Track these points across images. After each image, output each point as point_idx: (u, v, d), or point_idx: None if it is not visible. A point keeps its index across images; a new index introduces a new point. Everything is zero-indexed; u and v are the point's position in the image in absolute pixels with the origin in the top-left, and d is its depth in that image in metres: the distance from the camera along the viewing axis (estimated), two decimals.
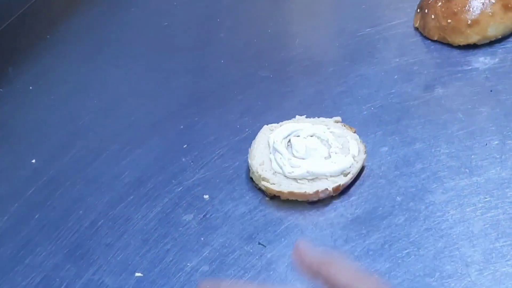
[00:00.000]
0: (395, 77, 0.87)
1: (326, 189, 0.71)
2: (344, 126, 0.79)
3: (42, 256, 0.71)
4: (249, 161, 0.76)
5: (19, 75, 0.98)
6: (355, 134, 0.77)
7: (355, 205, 0.71)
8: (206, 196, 0.75)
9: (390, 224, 0.69)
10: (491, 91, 0.82)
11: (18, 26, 1.08)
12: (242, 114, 0.85)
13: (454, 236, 0.66)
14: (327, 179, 0.72)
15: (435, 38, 0.91)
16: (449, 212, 0.69)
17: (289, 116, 0.81)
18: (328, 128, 0.78)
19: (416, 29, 0.94)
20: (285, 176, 0.73)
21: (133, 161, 0.81)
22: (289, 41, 0.99)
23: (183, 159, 0.80)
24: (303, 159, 0.74)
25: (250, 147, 0.77)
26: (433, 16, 0.90)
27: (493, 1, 0.86)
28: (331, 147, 0.75)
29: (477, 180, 0.71)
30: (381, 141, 0.78)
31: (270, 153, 0.75)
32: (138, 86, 0.94)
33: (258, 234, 0.70)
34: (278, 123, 0.80)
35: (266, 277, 0.66)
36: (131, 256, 0.70)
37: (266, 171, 0.74)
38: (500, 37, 0.88)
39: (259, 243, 0.69)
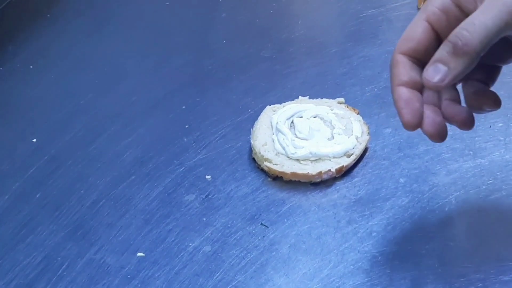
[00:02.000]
0: None
1: (329, 170, 0.71)
2: (347, 107, 0.79)
3: (44, 235, 0.70)
4: (252, 142, 0.75)
5: (19, 53, 0.97)
6: (359, 115, 0.77)
7: (358, 186, 0.71)
8: (208, 177, 0.74)
9: (393, 205, 0.68)
10: None
11: (18, 4, 1.07)
12: (244, 95, 0.85)
13: None
14: (330, 160, 0.72)
15: None
16: (452, 194, 0.68)
17: (291, 96, 0.81)
18: (331, 109, 0.77)
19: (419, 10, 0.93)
20: (288, 157, 0.73)
21: (135, 141, 0.80)
22: (292, 22, 0.98)
23: (185, 139, 0.80)
24: (306, 140, 0.74)
25: (252, 127, 0.77)
26: None
27: None
28: (334, 128, 0.75)
29: (481, 162, 0.71)
30: (385, 122, 0.77)
31: (273, 133, 0.75)
32: (139, 65, 0.93)
33: (260, 214, 0.70)
34: (280, 103, 0.80)
35: (268, 258, 0.65)
36: (133, 236, 0.69)
37: (268, 151, 0.74)
38: None
39: (262, 224, 0.69)
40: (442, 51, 0.47)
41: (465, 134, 0.74)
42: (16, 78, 0.93)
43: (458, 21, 0.48)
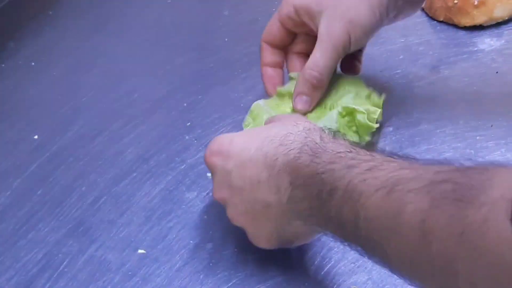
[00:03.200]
0: (401, 57, 0.86)
1: None
2: None
3: (45, 232, 0.70)
4: None
5: (21, 50, 0.97)
6: None
7: None
8: (209, 174, 0.74)
9: None
10: (497, 72, 0.81)
11: (20, 1, 1.07)
12: (246, 93, 0.85)
13: None
14: None
15: (441, 19, 0.90)
16: None
17: None
18: None
19: (422, 9, 0.93)
20: None
21: (136, 138, 0.80)
22: None
23: (187, 137, 0.80)
24: None
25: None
26: None
27: None
28: None
29: (482, 161, 0.71)
30: (386, 121, 0.77)
31: None
32: (141, 63, 0.93)
33: None
34: None
35: (269, 255, 0.65)
36: (134, 233, 0.69)
37: None
38: (506, 18, 0.88)
39: None
40: (303, 87, 0.69)
41: (467, 133, 0.74)
42: (18, 75, 0.93)
43: (302, 25, 0.72)
